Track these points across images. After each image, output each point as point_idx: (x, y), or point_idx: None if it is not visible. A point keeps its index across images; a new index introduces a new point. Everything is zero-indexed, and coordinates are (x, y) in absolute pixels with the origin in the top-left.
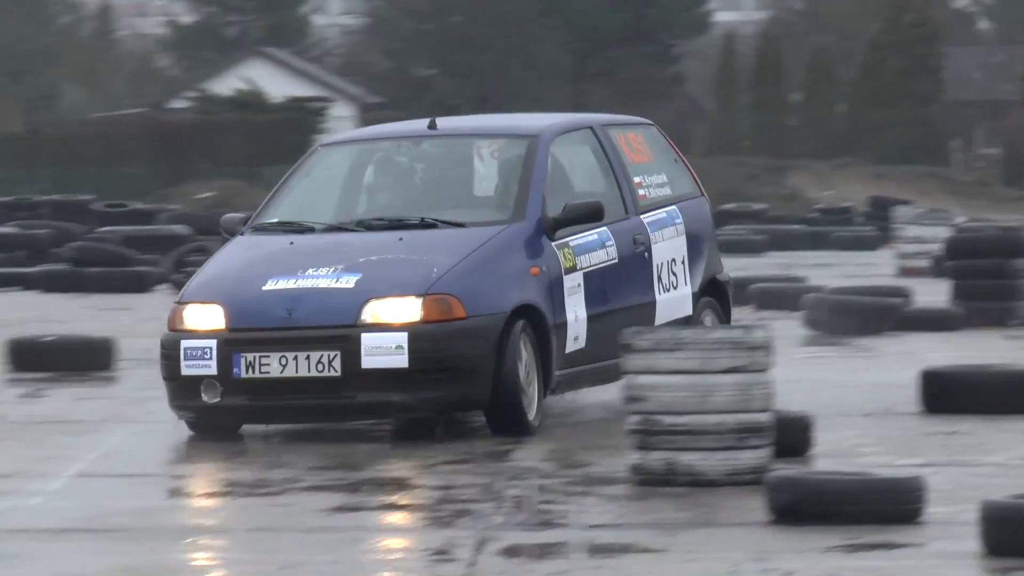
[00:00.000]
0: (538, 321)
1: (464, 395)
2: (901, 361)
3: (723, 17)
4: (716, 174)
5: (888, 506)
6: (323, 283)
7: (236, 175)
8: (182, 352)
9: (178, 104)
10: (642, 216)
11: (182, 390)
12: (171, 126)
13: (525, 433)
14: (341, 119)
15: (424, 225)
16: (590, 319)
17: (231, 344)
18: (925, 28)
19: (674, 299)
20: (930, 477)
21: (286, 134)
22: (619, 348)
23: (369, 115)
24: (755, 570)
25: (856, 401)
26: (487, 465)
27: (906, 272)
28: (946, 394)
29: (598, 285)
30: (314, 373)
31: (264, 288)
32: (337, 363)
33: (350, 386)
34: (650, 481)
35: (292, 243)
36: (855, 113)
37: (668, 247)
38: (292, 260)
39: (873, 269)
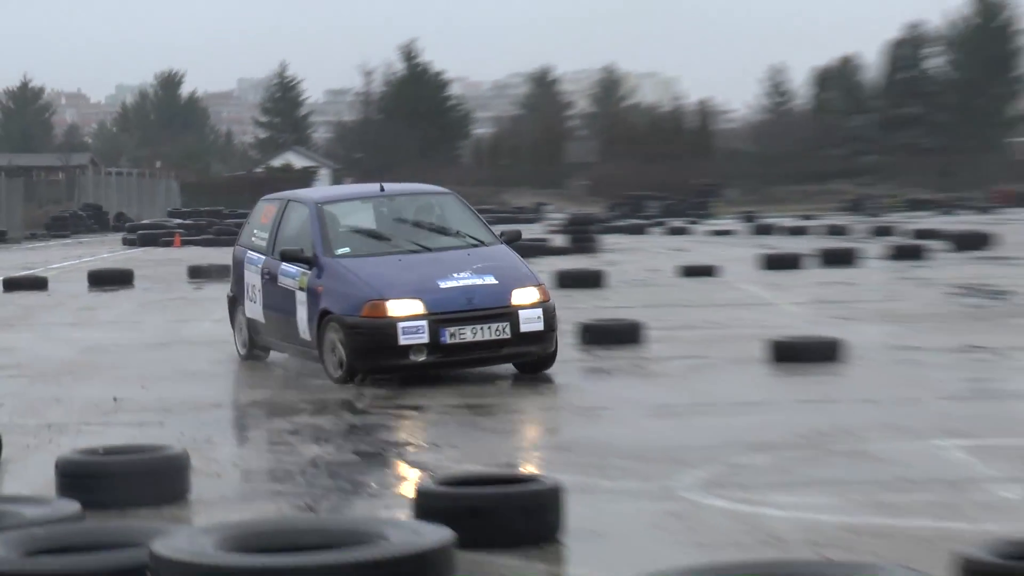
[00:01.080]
0: None
1: (551, 346)
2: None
3: (477, 129)
4: (476, 195)
5: None
6: (477, 281)
7: None
8: (400, 330)
9: (258, 170)
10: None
11: (392, 353)
12: (255, 180)
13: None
14: (323, 177)
15: (466, 245)
16: None
17: (438, 323)
18: (552, 132)
19: None
20: None
21: (302, 184)
22: None
23: (336, 173)
24: None
25: None
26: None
27: (550, 232)
28: (567, 281)
29: None
30: (492, 336)
31: (441, 286)
32: (507, 329)
33: (512, 343)
34: None
35: (400, 260)
36: (523, 168)
37: None
38: (434, 268)
39: (534, 232)
